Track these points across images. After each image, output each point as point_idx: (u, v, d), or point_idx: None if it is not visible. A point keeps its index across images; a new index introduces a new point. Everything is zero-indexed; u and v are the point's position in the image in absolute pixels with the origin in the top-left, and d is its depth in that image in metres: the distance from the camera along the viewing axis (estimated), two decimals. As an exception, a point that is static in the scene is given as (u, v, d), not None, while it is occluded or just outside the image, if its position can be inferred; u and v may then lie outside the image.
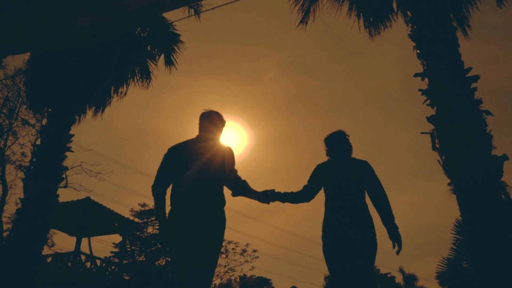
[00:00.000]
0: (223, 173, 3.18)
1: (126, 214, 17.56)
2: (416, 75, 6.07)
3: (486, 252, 4.69)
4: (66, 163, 8.82)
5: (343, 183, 3.21)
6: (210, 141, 3.23)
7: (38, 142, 11.37)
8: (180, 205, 3.00)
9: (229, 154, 3.28)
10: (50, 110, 9.06)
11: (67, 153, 8.71)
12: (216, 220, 3.01)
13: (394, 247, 3.13)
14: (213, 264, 3.00)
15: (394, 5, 7.71)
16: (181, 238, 2.88)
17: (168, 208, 3.08)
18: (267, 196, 3.46)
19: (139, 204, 18.95)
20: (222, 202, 3.11)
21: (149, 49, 9.71)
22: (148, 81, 9.72)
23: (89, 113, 9.60)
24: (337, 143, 3.38)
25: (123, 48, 9.07)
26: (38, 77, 9.14)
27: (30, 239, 7.70)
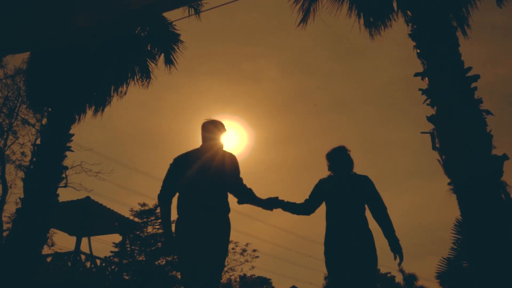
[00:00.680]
0: (228, 181, 3.25)
1: (126, 213, 17.53)
2: (416, 74, 6.08)
3: (486, 252, 4.69)
4: (66, 162, 8.82)
5: (344, 197, 3.31)
6: (213, 150, 3.28)
7: (38, 141, 11.38)
8: (186, 213, 3.07)
9: (234, 162, 3.34)
10: (50, 109, 9.06)
11: (67, 153, 8.71)
12: (221, 227, 3.08)
13: (395, 258, 3.22)
14: (220, 270, 3.07)
15: (394, 4, 7.71)
16: (188, 246, 2.96)
17: (173, 215, 3.18)
18: (270, 203, 3.56)
19: (139, 204, 18.92)
20: (227, 209, 3.18)
21: (149, 49, 9.71)
22: (148, 80, 9.73)
23: (89, 112, 9.61)
24: (338, 158, 3.47)
25: (123, 47, 9.06)
26: (38, 76, 9.13)
27: (30, 238, 7.69)
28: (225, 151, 3.32)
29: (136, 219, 17.67)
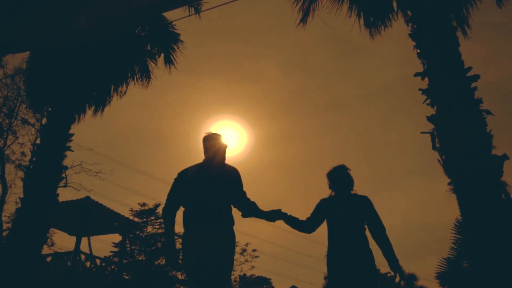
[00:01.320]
0: (231, 195, 3.34)
1: (126, 213, 17.52)
2: (416, 74, 6.07)
3: (486, 252, 4.68)
4: (66, 162, 8.82)
5: (345, 217, 3.44)
6: (216, 164, 3.35)
7: (38, 141, 11.39)
8: (192, 227, 3.17)
9: (236, 176, 3.44)
10: (50, 109, 9.06)
11: (67, 153, 8.71)
12: (226, 241, 3.16)
13: (395, 277, 3.37)
14: (226, 282, 3.12)
15: (394, 4, 7.72)
16: (195, 258, 3.06)
17: (178, 227, 3.27)
18: (274, 215, 3.63)
19: (139, 204, 18.92)
20: (231, 222, 3.27)
21: (149, 49, 9.71)
22: (148, 80, 9.73)
23: (89, 112, 9.60)
24: (339, 178, 3.59)
25: (123, 47, 9.06)
26: (38, 76, 9.13)
27: (30, 238, 7.69)
28: (227, 165, 3.41)
29: (136, 219, 17.68)
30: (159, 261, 17.11)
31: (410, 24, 6.39)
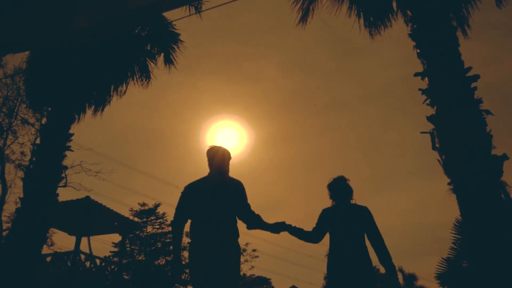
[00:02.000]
0: (236, 208, 3.47)
1: (126, 213, 17.54)
2: (416, 74, 6.07)
3: (486, 252, 4.69)
4: (66, 162, 8.81)
5: (344, 225, 3.57)
6: (221, 178, 3.47)
7: (38, 141, 11.39)
8: (198, 239, 3.29)
9: (241, 189, 3.57)
10: (49, 109, 9.05)
11: (67, 152, 8.70)
12: (232, 253, 3.27)
13: (391, 283, 3.52)
14: None
15: (394, 4, 7.72)
16: (201, 270, 3.16)
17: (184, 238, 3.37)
18: (278, 227, 3.72)
19: (139, 204, 18.97)
20: (236, 235, 3.40)
21: (148, 48, 9.71)
22: (147, 80, 9.72)
23: (89, 112, 9.60)
24: (338, 189, 3.75)
25: (122, 47, 9.06)
26: (37, 76, 9.13)
27: (30, 238, 7.69)
28: (232, 178, 3.53)
29: (136, 219, 17.71)
30: (159, 261, 17.13)
31: (410, 24, 6.40)
